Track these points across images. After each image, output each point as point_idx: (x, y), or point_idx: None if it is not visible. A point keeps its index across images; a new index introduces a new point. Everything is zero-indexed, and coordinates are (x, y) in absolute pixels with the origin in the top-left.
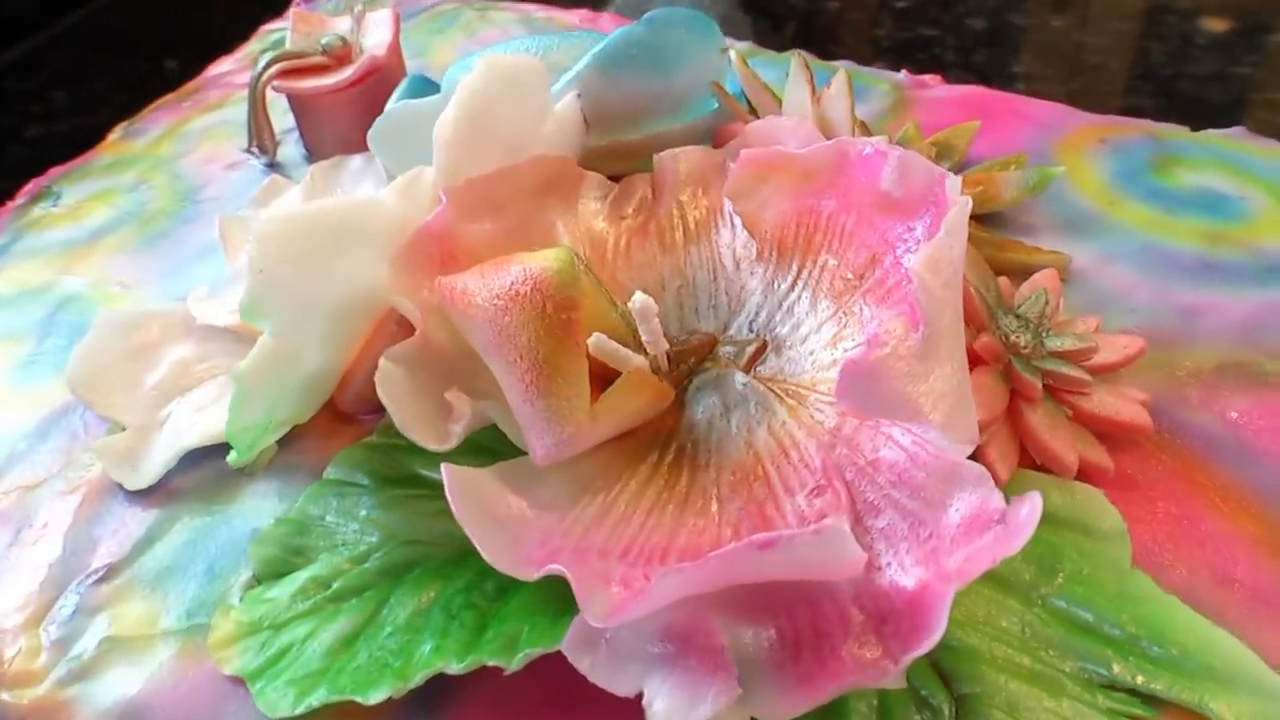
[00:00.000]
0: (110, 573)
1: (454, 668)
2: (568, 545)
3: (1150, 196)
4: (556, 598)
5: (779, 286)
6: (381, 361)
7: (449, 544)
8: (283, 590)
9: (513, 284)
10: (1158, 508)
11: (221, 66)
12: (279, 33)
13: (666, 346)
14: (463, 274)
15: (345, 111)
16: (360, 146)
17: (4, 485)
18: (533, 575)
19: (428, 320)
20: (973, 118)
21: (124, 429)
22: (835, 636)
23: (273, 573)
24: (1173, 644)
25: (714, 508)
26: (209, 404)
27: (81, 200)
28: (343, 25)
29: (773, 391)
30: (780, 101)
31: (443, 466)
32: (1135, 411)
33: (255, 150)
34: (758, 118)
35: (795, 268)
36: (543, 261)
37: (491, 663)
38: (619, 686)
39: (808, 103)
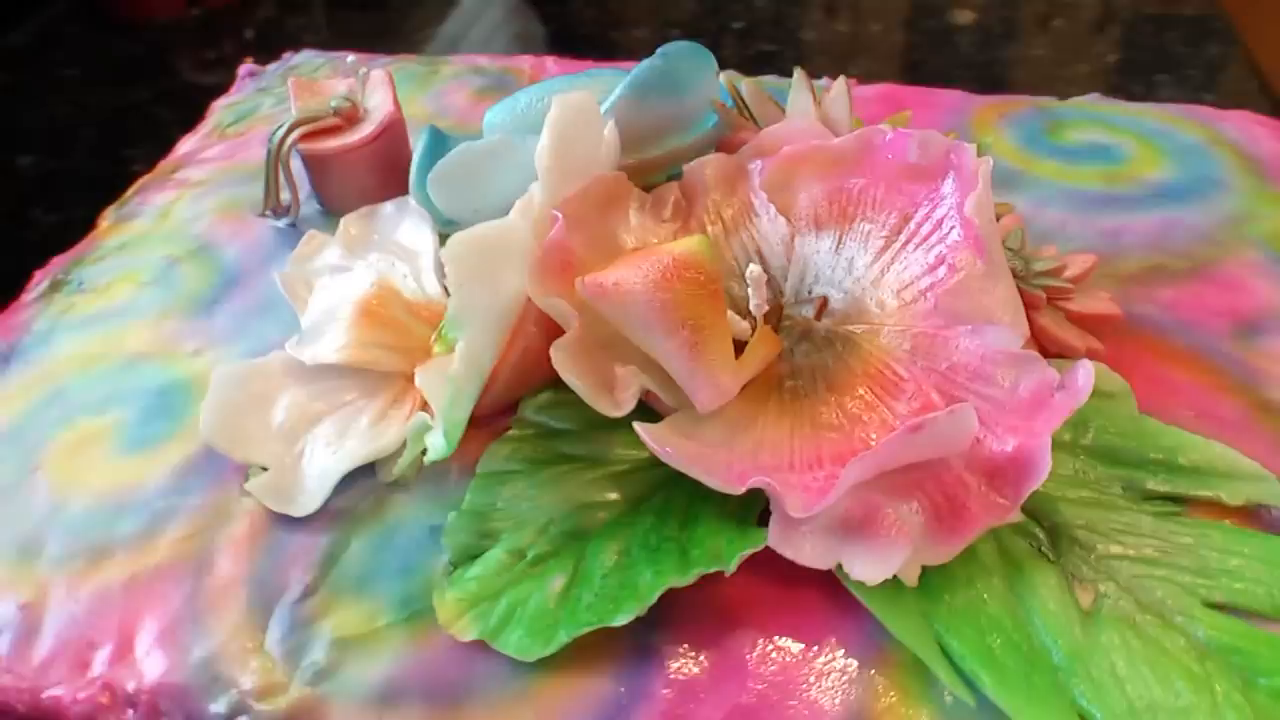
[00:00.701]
0: (310, 590)
1: (680, 582)
2: (748, 469)
3: (1054, 154)
4: (730, 516)
5: (823, 253)
6: (553, 353)
7: (614, 505)
8: (484, 567)
9: (666, 269)
10: (1138, 373)
11: (188, 145)
12: (239, 105)
13: (767, 309)
14: (606, 271)
15: (365, 165)
16: (377, 196)
17: (165, 542)
18: (740, 489)
19: (580, 314)
20: (896, 109)
21: (263, 469)
22: (962, 497)
23: (467, 556)
24: (1185, 458)
25: (843, 422)
26: (337, 436)
27: (109, 282)
28: (340, 87)
29: (850, 332)
30: (782, 110)
31: (636, 426)
32: (1109, 306)
33: (272, 212)
34: (758, 127)
35: (835, 236)
36: (689, 246)
37: (709, 571)
38: (821, 563)
39: (811, 107)
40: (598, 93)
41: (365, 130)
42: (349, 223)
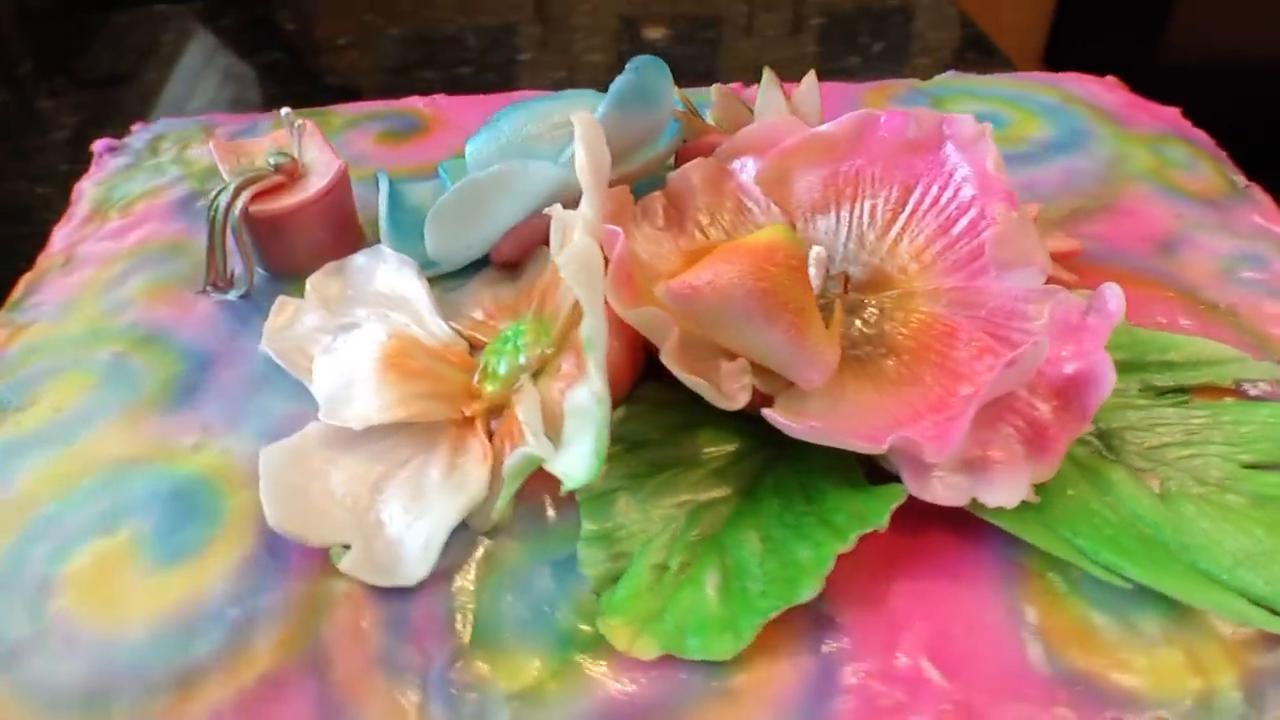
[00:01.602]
0: (457, 654)
1: (844, 548)
2: (877, 431)
3: None
4: (845, 482)
5: (830, 235)
6: (666, 359)
7: (728, 499)
8: (632, 586)
9: (758, 258)
10: None
11: (65, 234)
12: (110, 183)
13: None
14: (690, 274)
15: (319, 221)
16: (332, 252)
17: (263, 649)
18: (883, 448)
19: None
20: None
21: (345, 547)
22: (1041, 420)
23: (609, 581)
24: (1176, 355)
25: (920, 377)
26: (412, 497)
27: (43, 393)
28: (265, 145)
29: (888, 298)
30: (749, 110)
31: (768, 413)
32: (1070, 243)
33: (213, 286)
34: (721, 130)
35: (840, 218)
36: (774, 234)
37: (865, 531)
38: (958, 500)
39: (782, 103)
40: (583, 108)
41: (317, 184)
42: (318, 283)
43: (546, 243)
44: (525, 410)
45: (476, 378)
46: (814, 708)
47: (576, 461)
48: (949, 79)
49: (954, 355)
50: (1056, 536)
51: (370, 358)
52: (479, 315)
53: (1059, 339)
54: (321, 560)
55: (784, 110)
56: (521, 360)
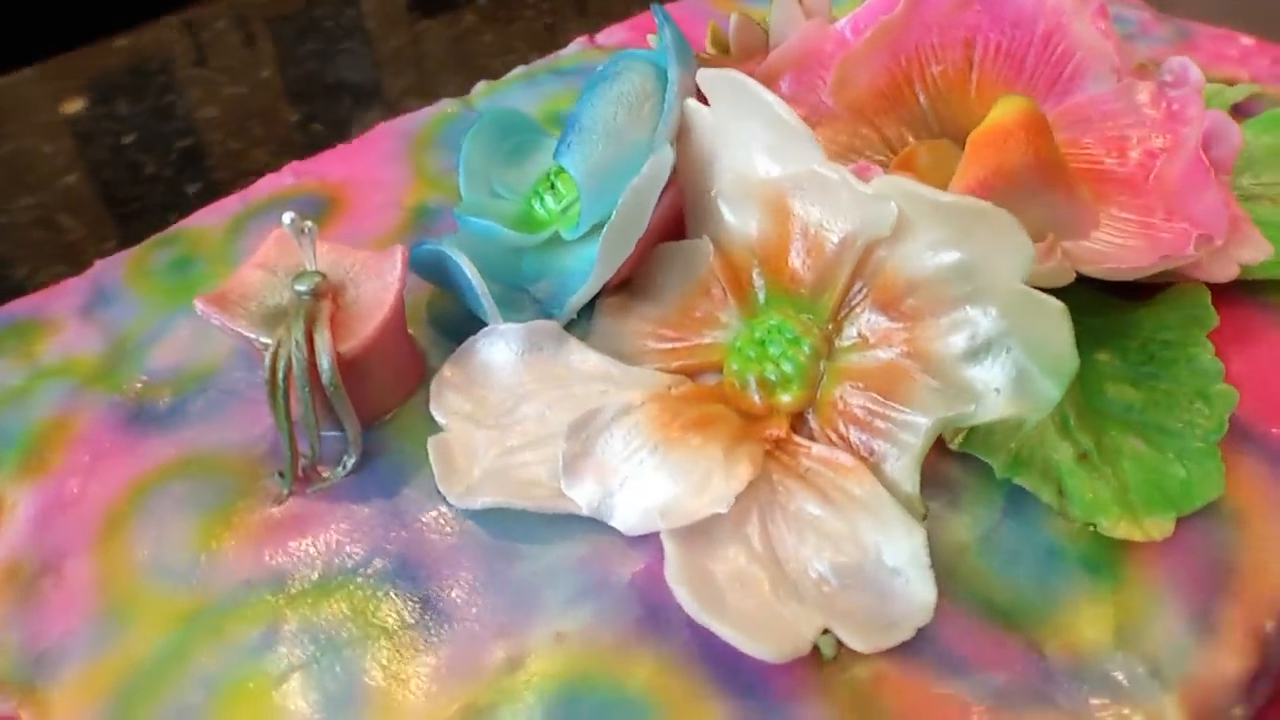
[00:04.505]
0: (1033, 646)
1: (1213, 350)
2: (1168, 239)
3: None
4: (1133, 308)
5: (912, 113)
6: None
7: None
8: (1083, 483)
9: (1024, 132)
10: None
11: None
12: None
13: None
14: (967, 174)
15: (398, 337)
16: (411, 371)
17: None
18: (1190, 248)
19: None
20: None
21: (825, 631)
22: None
23: (1057, 494)
24: None
25: (1111, 196)
26: (833, 547)
27: None
28: (255, 276)
29: None
30: (764, 31)
31: (1097, 272)
32: None
33: (305, 479)
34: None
35: (911, 96)
36: (1015, 106)
37: (1210, 330)
38: (1234, 272)
39: (799, 13)
40: (647, 77)
41: (382, 292)
42: (450, 403)
43: (661, 240)
44: (892, 378)
45: (756, 396)
46: None
47: (1036, 389)
48: None
49: (1109, 167)
50: None
51: (643, 440)
52: (658, 345)
53: (1167, 116)
54: (807, 664)
55: (800, 18)
56: (807, 350)
